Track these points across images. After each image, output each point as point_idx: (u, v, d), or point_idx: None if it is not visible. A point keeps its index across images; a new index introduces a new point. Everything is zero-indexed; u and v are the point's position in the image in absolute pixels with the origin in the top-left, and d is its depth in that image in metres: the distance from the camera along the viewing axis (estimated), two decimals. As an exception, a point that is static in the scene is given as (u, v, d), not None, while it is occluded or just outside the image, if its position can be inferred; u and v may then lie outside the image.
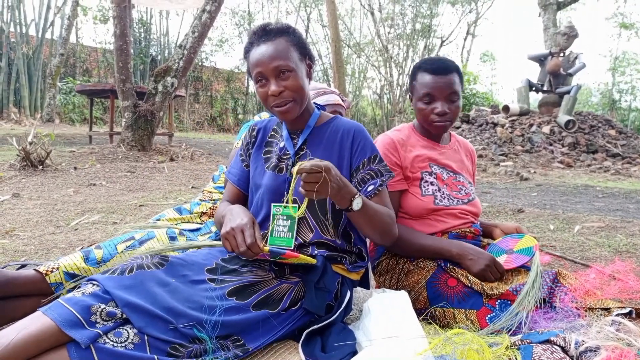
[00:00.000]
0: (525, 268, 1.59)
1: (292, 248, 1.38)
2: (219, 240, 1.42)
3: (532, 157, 8.24)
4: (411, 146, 1.75)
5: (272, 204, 1.43)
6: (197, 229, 1.86)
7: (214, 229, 1.89)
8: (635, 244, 2.86)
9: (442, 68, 1.71)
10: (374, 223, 1.42)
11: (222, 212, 1.46)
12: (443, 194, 1.75)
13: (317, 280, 1.39)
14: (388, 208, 1.49)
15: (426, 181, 1.74)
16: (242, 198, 1.60)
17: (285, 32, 1.43)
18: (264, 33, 1.42)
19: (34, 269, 1.53)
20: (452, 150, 1.87)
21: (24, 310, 1.44)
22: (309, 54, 1.50)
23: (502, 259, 1.63)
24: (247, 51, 1.46)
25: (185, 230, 1.82)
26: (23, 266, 1.83)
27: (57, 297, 1.36)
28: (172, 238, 1.75)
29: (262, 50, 1.39)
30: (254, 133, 1.62)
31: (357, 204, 1.32)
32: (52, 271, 1.52)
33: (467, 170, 1.91)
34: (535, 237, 1.70)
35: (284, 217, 1.41)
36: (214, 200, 2.02)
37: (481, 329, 1.43)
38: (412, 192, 1.74)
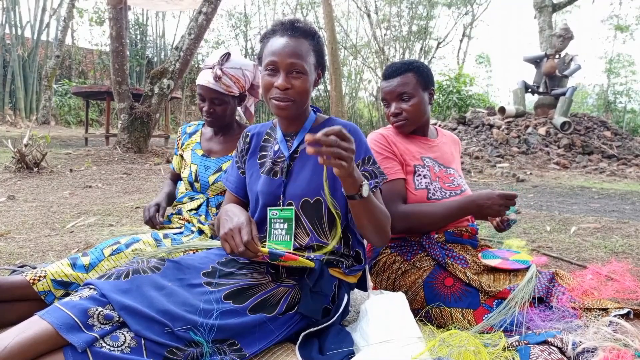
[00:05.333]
0: (523, 270, 1.59)
1: (291, 251, 1.37)
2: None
3: (528, 159, 8.26)
4: (399, 143, 1.80)
5: (268, 208, 1.41)
6: (180, 233, 1.89)
7: (194, 229, 1.92)
8: (631, 244, 2.87)
9: (391, 72, 1.81)
10: (375, 216, 1.37)
11: (218, 215, 1.45)
12: (435, 187, 1.77)
13: (314, 284, 1.38)
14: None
15: (419, 174, 1.77)
16: (240, 205, 1.56)
17: (311, 35, 1.42)
18: (291, 28, 1.40)
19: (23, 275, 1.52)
20: (440, 143, 1.92)
21: (13, 315, 1.43)
22: (323, 65, 1.48)
23: (495, 262, 1.64)
24: (266, 37, 1.44)
25: (168, 233, 1.84)
26: (19, 267, 1.82)
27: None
28: (157, 240, 1.76)
29: (284, 42, 1.37)
30: (248, 139, 1.60)
31: (365, 190, 1.26)
32: (39, 279, 1.51)
33: (457, 162, 1.96)
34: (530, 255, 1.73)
35: (281, 220, 1.40)
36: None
37: (478, 330, 1.43)
38: (406, 186, 1.76)
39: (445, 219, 1.71)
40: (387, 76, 1.81)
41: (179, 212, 2.01)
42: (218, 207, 1.98)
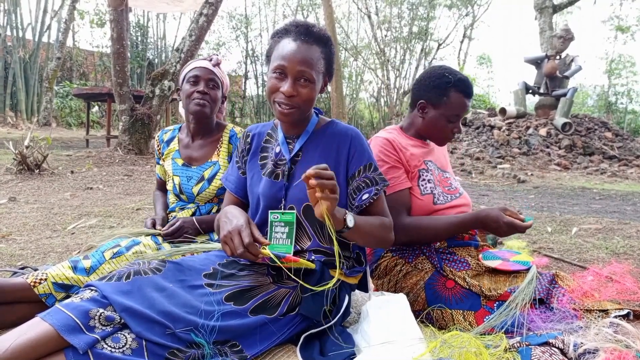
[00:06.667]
0: (524, 271, 1.59)
1: (291, 254, 1.36)
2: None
3: (529, 160, 8.26)
4: (403, 147, 1.76)
5: (270, 211, 1.41)
6: None
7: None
8: (632, 245, 2.87)
9: (472, 92, 1.78)
10: (370, 236, 1.40)
11: (218, 216, 1.46)
12: (439, 192, 1.76)
13: (315, 285, 1.38)
14: (384, 216, 1.47)
15: (424, 179, 1.75)
16: (240, 205, 1.56)
17: (324, 42, 1.40)
18: (305, 32, 1.37)
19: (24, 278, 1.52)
20: (435, 147, 1.91)
21: (14, 317, 1.44)
22: (331, 72, 1.47)
23: (496, 263, 1.63)
24: (278, 35, 1.41)
25: None
26: (21, 269, 1.82)
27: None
28: (158, 243, 1.77)
29: (296, 47, 1.34)
30: (248, 139, 1.59)
31: (350, 220, 1.28)
32: (40, 282, 1.51)
33: (449, 165, 1.96)
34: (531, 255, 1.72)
35: (282, 224, 1.40)
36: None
37: (479, 331, 1.43)
38: (412, 192, 1.74)
39: (448, 235, 1.70)
40: (470, 95, 1.77)
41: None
42: (206, 214, 1.95)
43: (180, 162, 2.01)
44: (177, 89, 2.00)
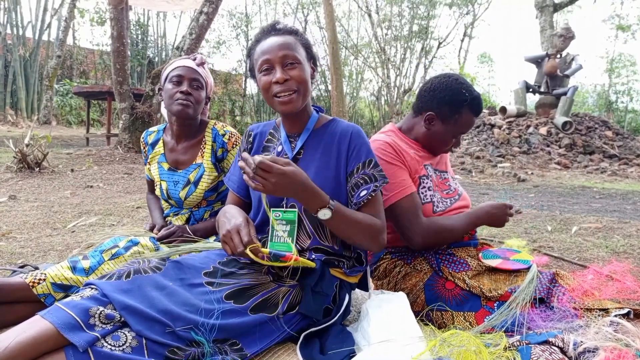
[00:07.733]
0: (524, 270, 1.59)
1: (292, 253, 1.36)
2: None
3: (530, 159, 8.25)
4: (404, 151, 1.73)
5: (271, 209, 1.41)
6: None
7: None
8: (632, 244, 2.87)
9: (482, 110, 1.79)
10: (350, 233, 1.38)
11: (217, 216, 1.46)
12: (437, 198, 1.74)
13: (315, 284, 1.38)
14: (379, 216, 1.45)
15: (424, 187, 1.72)
16: (242, 205, 1.57)
17: (294, 32, 1.46)
18: (273, 29, 1.45)
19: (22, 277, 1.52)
20: None
21: (13, 316, 1.43)
22: (314, 58, 1.50)
23: (496, 262, 1.63)
24: (252, 48, 1.47)
25: None
26: (21, 267, 1.83)
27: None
28: (156, 244, 1.76)
29: (272, 40, 1.40)
30: (250, 139, 1.60)
31: (322, 214, 1.30)
32: (38, 282, 1.51)
33: (448, 164, 1.94)
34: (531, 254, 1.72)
35: (284, 222, 1.40)
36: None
37: (479, 331, 1.43)
38: None
39: (464, 233, 1.71)
40: (478, 114, 1.76)
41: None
42: (200, 219, 1.93)
43: (166, 166, 1.97)
44: (159, 88, 1.94)
